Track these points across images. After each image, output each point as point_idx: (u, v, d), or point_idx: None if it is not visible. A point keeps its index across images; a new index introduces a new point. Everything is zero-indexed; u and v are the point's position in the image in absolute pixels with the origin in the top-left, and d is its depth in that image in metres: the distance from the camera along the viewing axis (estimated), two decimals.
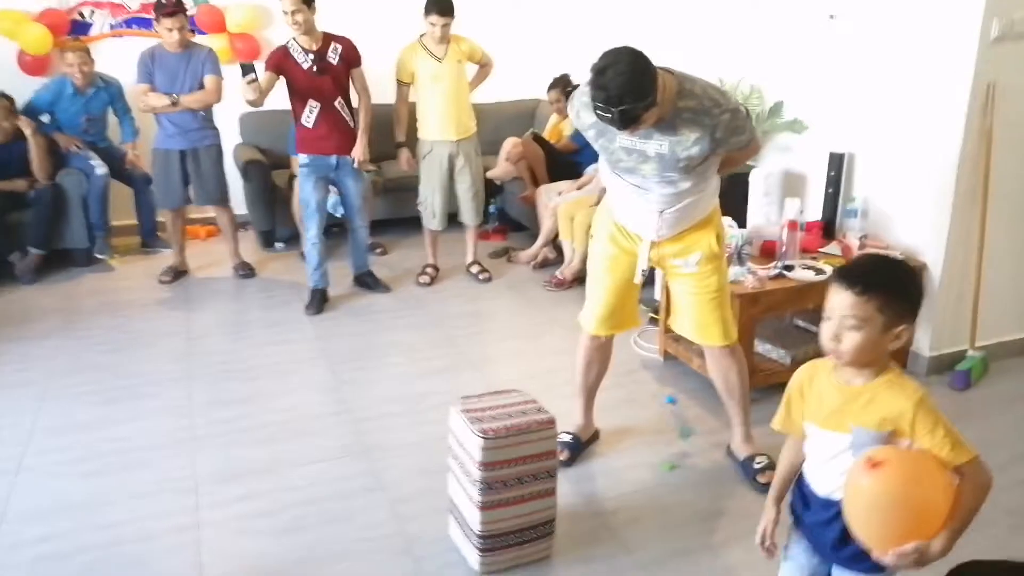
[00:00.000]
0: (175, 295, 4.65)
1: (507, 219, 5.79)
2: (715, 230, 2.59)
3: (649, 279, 2.95)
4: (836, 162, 3.73)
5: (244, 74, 3.85)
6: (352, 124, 4.22)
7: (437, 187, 4.58)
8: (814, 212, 3.88)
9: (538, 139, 5.40)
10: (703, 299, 2.63)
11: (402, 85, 4.48)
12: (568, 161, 5.26)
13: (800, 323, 3.62)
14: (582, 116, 2.47)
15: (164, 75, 4.38)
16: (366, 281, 4.62)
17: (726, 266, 2.69)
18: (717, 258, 2.60)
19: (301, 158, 4.21)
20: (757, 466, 2.75)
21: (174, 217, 4.77)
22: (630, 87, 2.12)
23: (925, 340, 3.50)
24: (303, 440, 3.07)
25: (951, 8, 3.20)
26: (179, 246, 4.88)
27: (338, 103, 4.13)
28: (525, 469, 2.24)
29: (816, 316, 3.58)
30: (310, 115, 4.09)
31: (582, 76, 5.37)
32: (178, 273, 4.88)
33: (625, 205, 2.58)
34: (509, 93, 5.99)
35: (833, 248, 3.54)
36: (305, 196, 4.23)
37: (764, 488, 2.67)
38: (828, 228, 3.75)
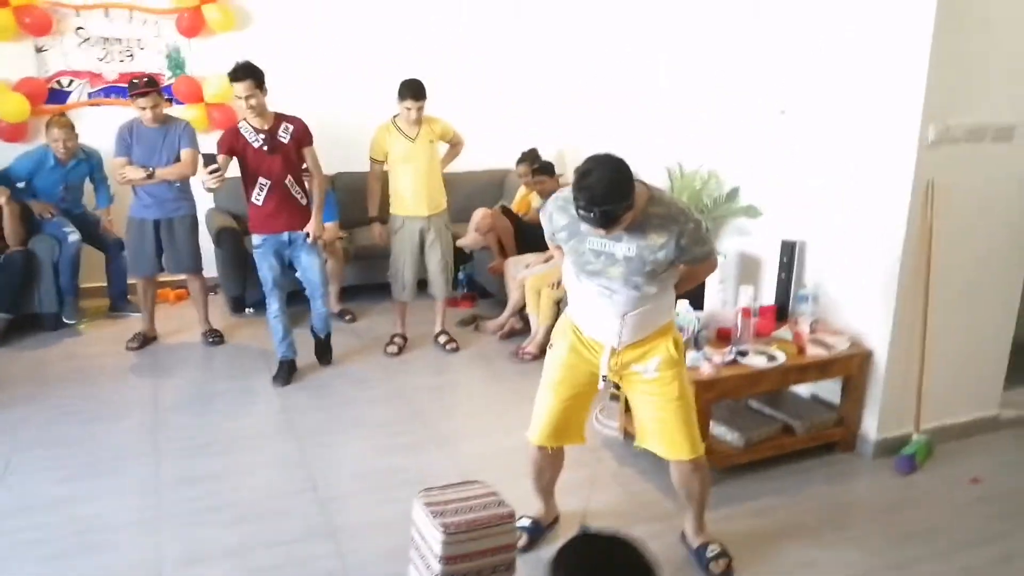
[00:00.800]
0: (143, 362, 4.69)
1: (476, 286, 5.92)
2: (673, 338, 2.71)
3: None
4: (788, 249, 3.92)
5: (206, 164, 3.95)
6: (304, 201, 4.30)
7: (408, 261, 4.71)
8: (768, 296, 4.06)
9: (507, 211, 5.56)
10: (667, 408, 2.68)
11: (375, 163, 4.64)
12: (536, 234, 5.40)
13: (753, 405, 3.76)
14: (555, 219, 2.63)
15: (142, 148, 4.49)
16: (323, 344, 4.64)
17: (687, 376, 2.77)
18: (677, 364, 2.69)
19: (254, 239, 4.27)
20: (710, 555, 2.85)
21: (145, 285, 4.84)
22: (613, 189, 2.30)
23: (872, 423, 3.65)
24: (270, 520, 3.11)
25: (892, 111, 3.42)
26: (149, 313, 4.93)
27: (288, 181, 4.21)
28: (484, 563, 2.32)
29: (770, 398, 3.74)
30: (260, 193, 4.18)
31: (549, 151, 5.61)
32: (146, 339, 4.92)
33: (588, 309, 2.69)
34: (479, 163, 6.16)
35: (785, 332, 3.70)
36: (263, 274, 4.30)
37: None
38: (781, 312, 3.93)
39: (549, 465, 2.94)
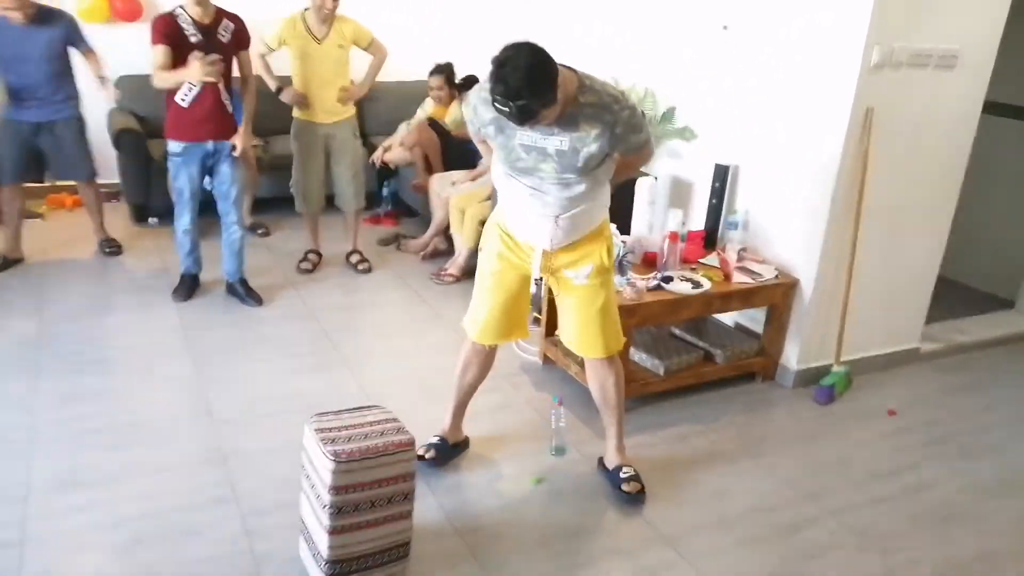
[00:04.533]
0: (29, 273, 4.31)
1: (400, 204, 5.64)
2: (606, 243, 2.57)
3: None
4: (721, 173, 3.77)
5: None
6: (230, 108, 3.90)
7: (311, 169, 4.40)
8: (698, 222, 3.91)
9: (434, 125, 5.26)
10: (590, 312, 2.60)
11: (266, 49, 4.21)
12: (464, 150, 5.14)
13: (676, 332, 3.65)
14: (480, 112, 2.42)
15: (8, 52, 4.00)
16: (236, 291, 4.12)
17: (614, 284, 2.69)
18: (607, 271, 2.59)
19: (172, 145, 3.85)
20: (624, 475, 2.76)
21: (10, 194, 4.32)
22: (530, 81, 2.11)
23: (793, 354, 3.59)
24: (156, 444, 2.88)
25: (836, 32, 3.24)
26: (13, 229, 4.39)
27: (220, 85, 3.81)
28: (379, 493, 2.14)
29: (692, 325, 3.64)
30: (187, 95, 3.75)
31: (468, 66, 5.29)
32: (7, 262, 4.36)
33: (519, 211, 2.52)
34: (405, 74, 5.79)
35: (712, 259, 3.58)
36: (179, 185, 3.91)
37: (629, 498, 2.71)
38: (710, 238, 3.79)
39: (477, 363, 2.82)
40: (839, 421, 3.38)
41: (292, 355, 3.62)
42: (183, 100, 3.77)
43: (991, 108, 3.73)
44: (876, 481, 2.97)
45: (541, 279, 2.63)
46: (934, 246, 3.76)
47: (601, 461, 2.89)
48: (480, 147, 2.75)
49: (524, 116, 2.16)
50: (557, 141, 2.33)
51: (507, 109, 2.14)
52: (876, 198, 3.43)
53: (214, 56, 3.60)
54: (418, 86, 5.84)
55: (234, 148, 3.90)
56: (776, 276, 3.49)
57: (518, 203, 2.50)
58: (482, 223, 4.45)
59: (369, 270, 4.63)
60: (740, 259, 3.51)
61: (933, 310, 3.92)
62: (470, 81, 5.05)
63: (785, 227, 3.58)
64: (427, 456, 2.79)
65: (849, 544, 2.62)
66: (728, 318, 3.86)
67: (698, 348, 3.52)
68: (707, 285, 3.31)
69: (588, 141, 2.31)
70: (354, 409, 2.33)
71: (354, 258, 4.67)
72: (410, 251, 5.01)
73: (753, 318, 3.73)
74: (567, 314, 2.67)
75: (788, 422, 3.36)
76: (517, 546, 2.50)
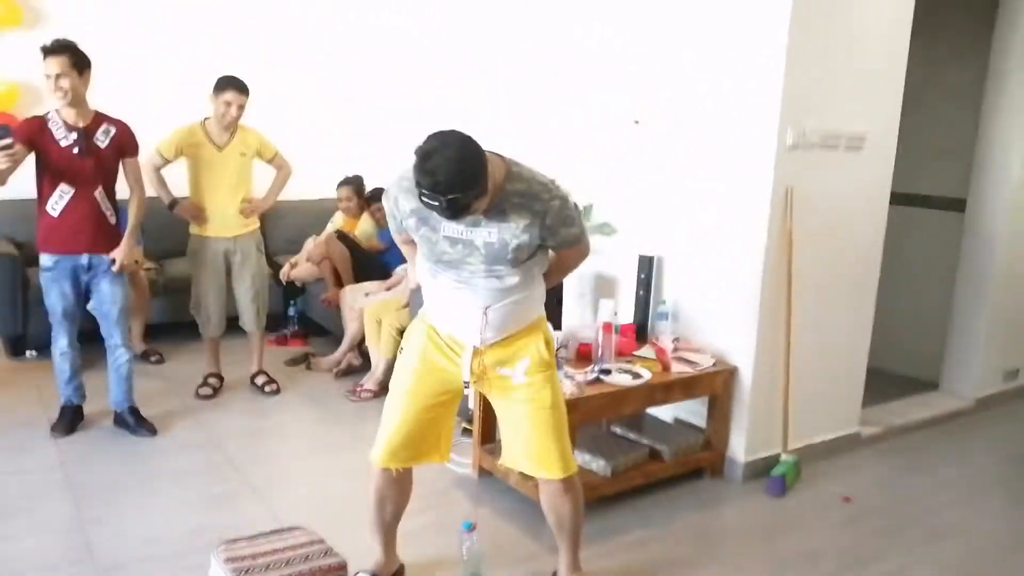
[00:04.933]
0: None
1: (309, 323, 5.32)
2: (543, 336, 2.34)
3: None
4: (646, 265, 3.68)
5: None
6: (113, 220, 3.55)
7: (211, 288, 4.06)
8: (626, 315, 3.79)
9: (343, 237, 5.06)
10: (538, 417, 2.29)
11: (158, 157, 3.93)
12: (375, 261, 4.95)
13: (617, 431, 3.43)
14: (400, 204, 2.22)
15: None
16: (125, 421, 3.66)
17: (559, 382, 2.41)
18: (548, 367, 2.32)
19: (44, 259, 3.45)
20: None
21: None
22: (459, 173, 1.93)
23: (740, 445, 3.41)
24: None
25: (749, 117, 3.28)
26: None
27: (98, 194, 3.46)
28: None
29: (632, 423, 3.43)
30: (58, 202, 3.39)
31: (375, 179, 5.16)
32: None
33: (446, 305, 2.28)
34: (310, 191, 5.61)
35: (647, 351, 3.42)
36: (50, 302, 3.49)
37: None
38: (641, 331, 3.66)
39: (393, 493, 2.44)
40: (795, 514, 3.18)
41: (192, 487, 3.18)
42: (53, 209, 3.41)
43: (896, 198, 3.83)
44: (847, 573, 2.75)
45: (468, 383, 2.30)
46: (863, 324, 3.75)
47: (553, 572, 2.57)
48: (403, 248, 2.51)
49: (454, 211, 1.97)
50: (485, 233, 2.13)
51: (436, 203, 1.95)
52: (804, 277, 3.39)
53: (5, 140, 3.12)
54: (323, 204, 5.68)
55: (113, 262, 3.53)
56: (714, 364, 3.35)
57: (444, 296, 2.28)
58: (400, 332, 4.20)
59: (277, 391, 4.24)
60: (675, 348, 3.37)
61: (864, 395, 3.86)
62: (378, 194, 4.91)
63: (716, 314, 3.49)
64: None
65: None
66: (666, 413, 3.67)
67: (642, 445, 3.30)
68: (647, 375, 3.13)
69: (517, 232, 2.13)
70: (271, 532, 1.98)
71: (260, 379, 4.28)
72: (322, 369, 4.67)
73: (693, 411, 3.56)
74: (510, 424, 2.36)
75: (744, 519, 3.13)
76: None
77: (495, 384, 2.31)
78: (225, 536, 2.65)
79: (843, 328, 3.66)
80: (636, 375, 3.12)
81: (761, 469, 3.43)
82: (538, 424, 2.30)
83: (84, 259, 3.49)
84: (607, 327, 3.24)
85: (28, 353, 4.66)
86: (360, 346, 4.57)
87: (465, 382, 2.30)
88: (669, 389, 3.22)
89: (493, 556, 2.69)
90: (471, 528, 2.45)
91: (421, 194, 1.97)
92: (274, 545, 1.88)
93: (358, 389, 4.27)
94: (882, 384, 4.42)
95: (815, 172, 3.35)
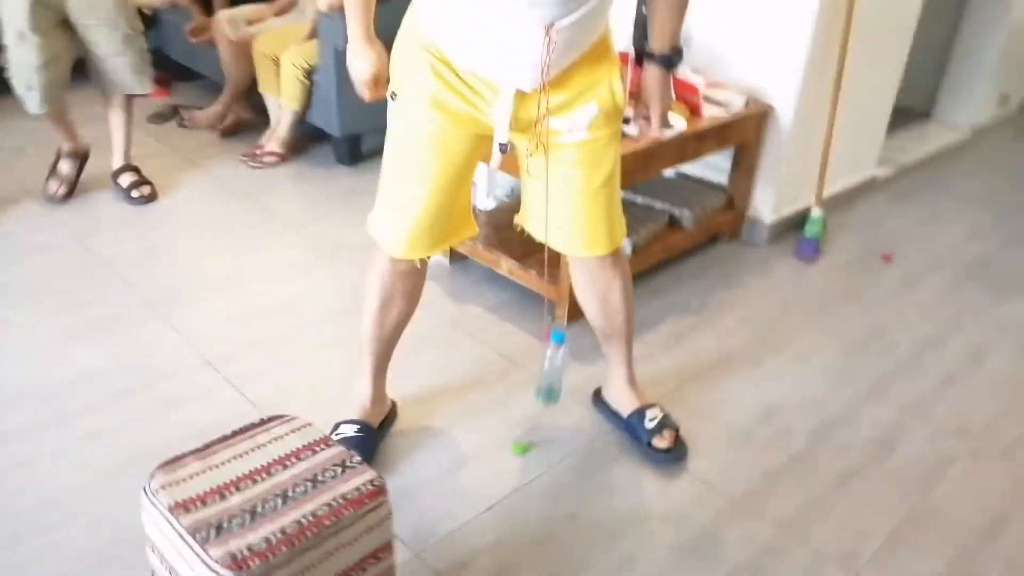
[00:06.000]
0: None
1: (169, 64, 4.05)
2: (615, 64, 1.49)
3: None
4: None
5: None
6: None
7: (34, 36, 2.56)
8: (621, 39, 2.89)
9: None
10: (592, 186, 1.55)
11: None
12: None
13: (639, 200, 2.68)
14: None
15: None
16: None
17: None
18: (617, 115, 1.52)
19: None
20: (650, 423, 1.84)
21: None
22: None
23: (767, 203, 2.78)
24: None
25: None
26: None
27: None
28: None
29: (640, 185, 2.71)
30: None
31: None
32: None
33: (474, 24, 1.34)
34: None
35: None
36: None
37: (665, 458, 1.80)
38: (639, 60, 2.79)
39: (403, 293, 1.69)
40: (840, 281, 2.66)
41: (62, 310, 2.26)
42: None
43: None
44: (928, 355, 2.28)
45: (506, 146, 1.49)
46: (898, 60, 3.05)
47: (600, 397, 1.96)
48: None
49: None
50: None
51: None
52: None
53: None
54: None
55: None
56: (747, 104, 2.60)
57: (471, 11, 1.33)
58: (308, 74, 3.15)
59: (149, 198, 2.92)
60: (710, 83, 2.57)
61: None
62: None
63: (747, 42, 2.66)
64: (352, 461, 1.68)
65: (961, 451, 1.91)
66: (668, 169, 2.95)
67: (659, 212, 2.60)
68: (681, 124, 2.35)
69: None
70: (239, 433, 1.17)
71: (125, 179, 2.95)
72: (200, 126, 3.58)
73: (709, 166, 2.86)
74: (555, 194, 1.58)
75: (787, 292, 2.57)
76: (525, 559, 1.53)
77: (538, 143, 1.49)
78: (119, 388, 1.86)
79: (881, 63, 2.95)
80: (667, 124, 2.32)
81: (785, 229, 2.86)
82: (592, 199, 1.58)
83: None
84: (621, 57, 2.37)
85: None
86: (250, 93, 3.49)
87: (501, 144, 1.46)
88: (702, 140, 2.47)
89: (501, 370, 2.03)
90: (562, 340, 1.74)
91: None
92: (250, 464, 1.10)
93: (258, 152, 3.28)
94: None
95: None
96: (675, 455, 1.81)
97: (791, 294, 2.56)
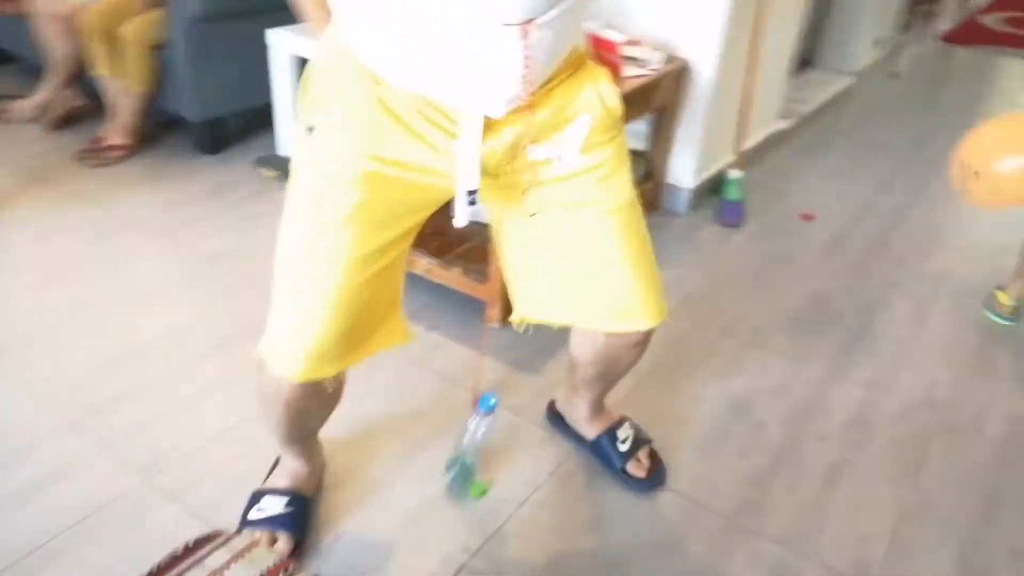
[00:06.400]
0: None
1: None
2: (595, 66, 1.16)
3: None
4: None
5: None
6: None
7: None
8: None
9: None
10: (617, 226, 1.20)
11: None
12: None
13: None
14: None
15: None
16: None
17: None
18: (617, 124, 1.18)
19: None
20: (623, 447, 1.61)
21: None
22: None
23: (688, 168, 2.60)
24: None
25: None
26: None
27: None
28: None
29: None
30: None
31: None
32: None
33: (428, 29, 0.94)
34: None
35: None
36: None
37: (645, 485, 1.59)
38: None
39: (318, 406, 1.33)
40: (769, 247, 2.52)
41: None
42: None
43: None
44: (876, 322, 2.19)
45: (475, 194, 1.08)
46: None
47: (556, 413, 1.71)
48: None
49: None
50: None
51: None
52: None
53: None
54: None
55: None
56: (667, 61, 2.39)
57: (424, 12, 0.93)
58: (157, 46, 2.66)
59: None
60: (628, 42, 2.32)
61: None
62: None
63: None
64: (279, 547, 1.37)
65: (935, 426, 1.81)
66: None
67: None
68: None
69: None
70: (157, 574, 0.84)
71: None
72: (22, 118, 3.00)
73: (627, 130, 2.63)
74: (557, 248, 1.23)
75: (722, 266, 2.41)
76: None
77: (518, 181, 1.16)
78: None
79: (788, 8, 2.81)
80: None
81: (704, 194, 2.70)
82: (621, 238, 1.21)
83: None
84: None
85: None
86: (80, 75, 2.94)
87: (469, 192, 1.09)
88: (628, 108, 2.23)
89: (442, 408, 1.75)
90: (491, 409, 1.43)
91: None
92: None
93: (98, 147, 2.77)
94: None
95: None
96: (655, 481, 1.59)
97: (726, 266, 2.40)
